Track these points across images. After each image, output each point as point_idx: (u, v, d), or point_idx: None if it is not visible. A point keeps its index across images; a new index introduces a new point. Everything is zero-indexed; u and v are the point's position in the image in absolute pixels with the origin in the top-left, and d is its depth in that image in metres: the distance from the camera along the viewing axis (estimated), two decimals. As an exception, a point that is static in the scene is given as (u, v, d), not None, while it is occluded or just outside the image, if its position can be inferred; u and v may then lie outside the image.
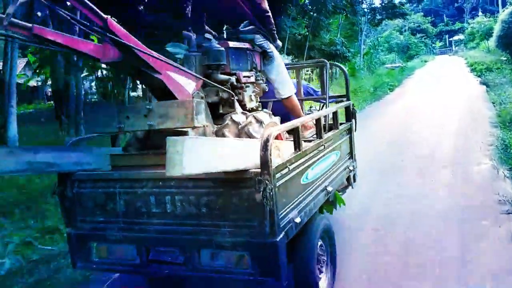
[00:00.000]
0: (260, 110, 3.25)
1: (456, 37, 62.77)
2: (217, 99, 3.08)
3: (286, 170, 2.48)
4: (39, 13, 1.93)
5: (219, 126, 2.95)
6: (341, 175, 3.66)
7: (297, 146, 2.70)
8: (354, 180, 4.11)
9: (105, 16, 1.98)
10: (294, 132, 2.71)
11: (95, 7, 1.93)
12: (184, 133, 2.66)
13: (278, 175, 2.35)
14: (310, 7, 18.53)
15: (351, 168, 3.93)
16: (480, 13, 43.36)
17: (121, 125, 2.50)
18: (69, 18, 1.87)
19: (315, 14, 18.58)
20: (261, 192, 2.21)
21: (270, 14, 3.49)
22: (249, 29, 3.38)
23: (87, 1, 1.90)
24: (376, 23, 31.21)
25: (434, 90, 17.07)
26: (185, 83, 2.70)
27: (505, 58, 23.84)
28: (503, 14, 21.26)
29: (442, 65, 33.76)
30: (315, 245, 2.86)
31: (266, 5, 3.45)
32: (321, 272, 2.98)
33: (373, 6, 29.26)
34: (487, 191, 5.03)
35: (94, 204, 2.73)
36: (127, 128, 2.51)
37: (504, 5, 38.21)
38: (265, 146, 2.21)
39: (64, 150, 2.82)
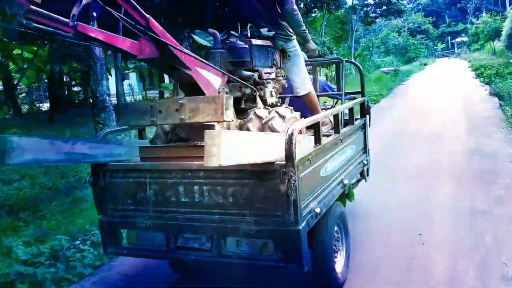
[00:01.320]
0: (281, 106, 3.39)
1: (459, 39, 60.42)
2: (240, 94, 3.23)
3: (308, 163, 2.63)
4: (94, 13, 2.02)
5: (243, 120, 3.10)
6: (356, 169, 3.81)
7: (317, 140, 2.85)
8: (368, 174, 4.26)
9: (147, 15, 2.13)
10: (314, 127, 2.85)
11: (139, 7, 2.08)
12: (211, 127, 2.83)
13: (301, 168, 2.50)
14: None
15: (365, 162, 4.08)
16: (484, 14, 40.93)
17: (154, 118, 2.66)
18: (119, 17, 2.02)
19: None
20: (286, 183, 2.37)
21: (298, 13, 3.59)
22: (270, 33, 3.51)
23: (133, 1, 2.05)
24: (369, 22, 28.47)
25: (430, 101, 13.82)
26: (212, 79, 2.85)
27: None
28: None
29: (443, 69, 30.77)
30: (332, 232, 3.01)
31: (293, 5, 3.55)
32: (336, 256, 3.14)
33: (366, 2, 26.21)
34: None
35: (125, 193, 2.89)
36: (160, 121, 2.67)
37: (512, 3, 35.83)
38: (290, 140, 2.35)
39: (97, 142, 2.98)
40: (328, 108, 4.70)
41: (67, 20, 2.06)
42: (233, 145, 2.03)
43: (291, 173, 2.36)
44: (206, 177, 2.64)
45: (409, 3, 78.83)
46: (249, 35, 3.37)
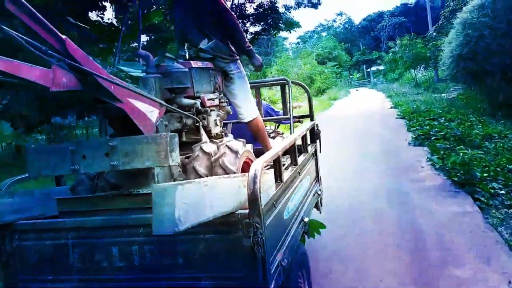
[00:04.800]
0: (230, 137, 2.95)
1: (374, 68, 57.09)
2: (180, 126, 2.73)
3: (272, 208, 2.20)
4: None
5: (186, 157, 2.61)
6: (313, 201, 3.44)
7: (278, 177, 2.43)
8: (321, 204, 3.91)
9: (63, 36, 1.59)
10: (275, 162, 2.43)
11: (52, 26, 1.53)
12: (148, 171, 2.31)
13: (266, 215, 2.06)
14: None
15: (319, 192, 3.73)
16: (398, 41, 32.93)
17: (76, 166, 2.07)
18: (21, 41, 1.46)
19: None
20: (251, 237, 1.91)
21: (241, 29, 3.21)
22: (211, 48, 3.08)
23: (43, 19, 1.50)
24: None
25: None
26: (147, 111, 2.34)
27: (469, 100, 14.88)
28: (463, 14, 13.56)
29: (355, 109, 19.20)
30: (297, 283, 2.60)
31: (236, 20, 3.17)
32: None
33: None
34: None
35: (40, 260, 2.27)
36: (84, 169, 2.09)
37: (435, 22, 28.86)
38: (253, 184, 1.90)
39: (0, 195, 2.34)
40: (271, 133, 4.35)
41: None
42: (190, 202, 1.55)
43: (256, 224, 1.91)
44: (148, 233, 2.10)
45: (323, 30, 79.00)
46: (187, 56, 2.90)
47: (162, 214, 1.47)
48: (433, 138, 9.20)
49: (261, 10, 18.70)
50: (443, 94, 19.81)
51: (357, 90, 41.41)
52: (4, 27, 1.41)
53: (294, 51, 58.81)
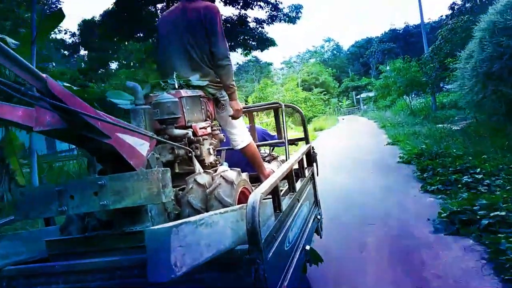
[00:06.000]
0: (225, 165, 2.86)
1: (364, 94, 55.16)
2: (172, 157, 2.64)
3: (272, 240, 2.10)
4: None
5: (180, 190, 2.52)
6: (313, 227, 3.34)
7: (277, 206, 2.34)
8: (321, 229, 3.81)
9: (43, 75, 1.50)
10: (273, 191, 2.34)
11: (31, 66, 1.45)
12: (141, 207, 2.21)
13: (267, 249, 1.96)
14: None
15: (318, 217, 3.63)
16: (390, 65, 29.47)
17: (64, 207, 1.97)
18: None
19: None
20: (253, 275, 1.80)
21: (231, 63, 3.14)
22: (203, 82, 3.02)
23: (20, 58, 1.41)
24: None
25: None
26: (137, 145, 2.24)
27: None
28: (490, 17, 9.96)
29: (343, 146, 15.56)
30: None
31: (228, 52, 3.12)
32: None
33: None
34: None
35: None
36: (72, 210, 1.98)
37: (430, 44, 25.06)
38: (252, 217, 1.81)
39: (-15, 241, 2.22)
40: (266, 156, 4.27)
41: None
42: (187, 244, 1.45)
43: (258, 260, 1.80)
44: (143, 275, 1.98)
45: (310, 57, 76.53)
46: (176, 86, 2.82)
47: (157, 260, 1.37)
48: (483, 222, 4.59)
49: (228, 25, 17.01)
50: (446, 125, 16.17)
51: (343, 119, 38.53)
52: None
53: (278, 77, 58.16)
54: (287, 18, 18.46)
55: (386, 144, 14.35)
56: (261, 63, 57.31)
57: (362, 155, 12.34)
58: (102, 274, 2.04)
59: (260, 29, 18.44)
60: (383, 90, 30.62)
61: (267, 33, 18.88)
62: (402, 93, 26.65)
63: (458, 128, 14.35)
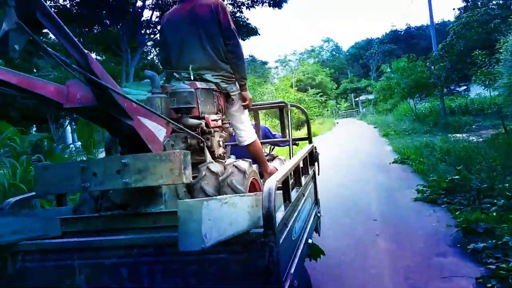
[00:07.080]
0: (233, 158, 2.94)
1: (363, 97, 52.38)
2: (185, 146, 2.72)
3: (284, 227, 2.18)
4: (16, 46, 1.51)
5: (193, 177, 2.59)
6: (313, 224, 3.43)
7: (287, 197, 2.42)
8: (320, 227, 3.90)
9: (85, 51, 1.58)
10: (283, 182, 2.43)
11: (77, 41, 1.53)
12: (156, 189, 2.28)
13: (279, 235, 2.04)
14: None
15: (319, 215, 3.72)
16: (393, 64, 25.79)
17: (86, 183, 2.03)
18: (50, 54, 1.45)
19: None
20: (267, 257, 1.88)
21: (242, 53, 3.23)
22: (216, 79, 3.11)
23: (69, 32, 1.49)
24: None
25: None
26: (156, 130, 2.33)
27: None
28: None
29: (338, 162, 11.23)
30: None
31: (239, 43, 3.19)
32: None
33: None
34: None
35: (45, 282, 2.18)
36: (94, 187, 2.05)
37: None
38: (268, 201, 1.89)
39: (2, 215, 2.26)
40: (266, 155, 4.35)
41: None
42: (215, 218, 1.53)
43: (272, 243, 1.88)
44: (158, 253, 2.05)
45: (308, 57, 71.37)
46: (192, 78, 2.91)
47: (189, 230, 1.44)
48: None
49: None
50: (464, 135, 12.84)
51: (337, 123, 36.10)
52: (39, 41, 1.40)
53: (273, 76, 57.01)
54: (271, 1, 15.44)
55: (392, 162, 10.69)
56: (257, 62, 56.08)
57: (360, 176, 9.24)
58: (118, 251, 2.10)
59: (238, 13, 15.66)
60: (384, 92, 27.58)
61: (247, 19, 16.15)
62: (405, 96, 23.50)
63: (480, 139, 11.18)
